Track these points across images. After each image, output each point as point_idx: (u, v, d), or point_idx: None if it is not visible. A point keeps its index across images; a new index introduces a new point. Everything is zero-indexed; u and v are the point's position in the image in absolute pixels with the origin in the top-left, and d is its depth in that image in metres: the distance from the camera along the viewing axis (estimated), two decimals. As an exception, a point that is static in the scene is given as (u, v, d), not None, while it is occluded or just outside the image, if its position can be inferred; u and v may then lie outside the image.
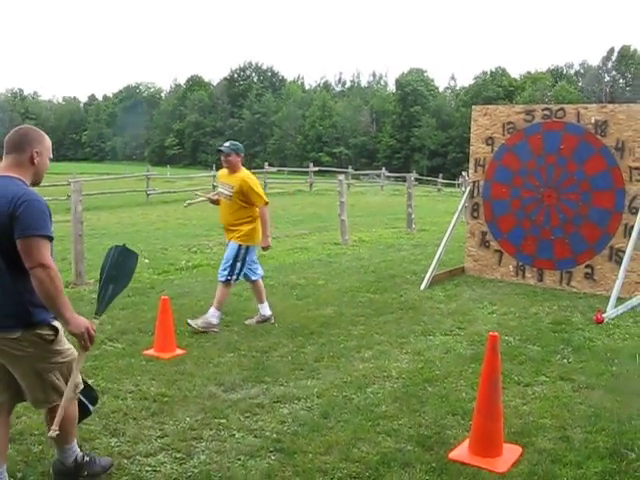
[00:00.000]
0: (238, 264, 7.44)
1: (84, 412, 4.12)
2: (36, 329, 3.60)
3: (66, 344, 3.80)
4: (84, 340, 3.61)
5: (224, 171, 7.70)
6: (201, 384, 5.62)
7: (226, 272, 7.43)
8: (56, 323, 3.69)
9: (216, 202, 7.84)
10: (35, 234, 3.42)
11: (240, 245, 7.44)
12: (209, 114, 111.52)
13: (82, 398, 4.01)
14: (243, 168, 7.61)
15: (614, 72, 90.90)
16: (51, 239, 3.51)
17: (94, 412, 4.86)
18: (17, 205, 3.42)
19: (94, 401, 4.24)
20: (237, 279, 7.56)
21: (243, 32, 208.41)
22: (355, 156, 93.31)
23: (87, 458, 4.06)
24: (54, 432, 3.62)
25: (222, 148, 7.54)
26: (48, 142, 3.81)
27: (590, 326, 7.72)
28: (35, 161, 3.68)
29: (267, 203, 7.54)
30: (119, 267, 4.10)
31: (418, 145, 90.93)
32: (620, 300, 8.59)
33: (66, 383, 3.73)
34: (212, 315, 7.35)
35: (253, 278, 7.76)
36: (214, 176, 33.69)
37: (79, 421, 4.10)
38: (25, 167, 3.66)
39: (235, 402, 5.26)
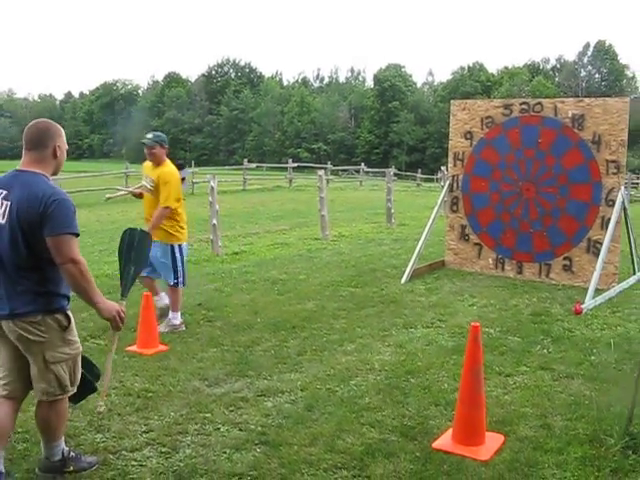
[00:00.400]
0: (178, 264, 7.27)
1: (89, 388, 4.25)
2: (55, 314, 3.78)
3: (75, 336, 3.97)
4: (116, 322, 3.91)
5: (148, 163, 7.36)
6: (185, 379, 5.63)
7: (172, 276, 7.27)
8: (69, 313, 3.88)
9: (139, 195, 7.58)
10: (66, 232, 3.61)
11: (172, 246, 7.22)
12: (187, 111, 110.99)
13: (86, 374, 4.14)
14: (168, 162, 7.29)
15: (590, 67, 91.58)
16: (78, 235, 3.69)
17: (78, 408, 4.89)
18: (48, 204, 3.57)
19: (97, 378, 4.34)
20: (183, 279, 7.38)
21: (220, 28, 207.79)
22: (334, 152, 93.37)
23: (73, 454, 4.09)
24: (101, 407, 4.34)
25: (145, 140, 7.21)
26: (64, 136, 3.92)
27: (569, 317, 7.82)
28: (57, 155, 3.82)
29: (168, 208, 7.02)
30: (136, 249, 4.40)
31: (397, 140, 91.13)
32: (598, 291, 8.71)
33: (70, 378, 3.89)
34: (173, 317, 7.28)
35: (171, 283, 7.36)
36: (193, 172, 33.62)
37: (84, 397, 4.30)
38: (47, 162, 3.79)
39: (219, 396, 5.28)
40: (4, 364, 3.92)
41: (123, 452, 4.34)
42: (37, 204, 3.57)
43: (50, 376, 3.81)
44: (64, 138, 3.89)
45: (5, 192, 3.69)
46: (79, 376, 4.00)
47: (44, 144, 3.75)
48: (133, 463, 4.20)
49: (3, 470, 3.88)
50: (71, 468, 4.04)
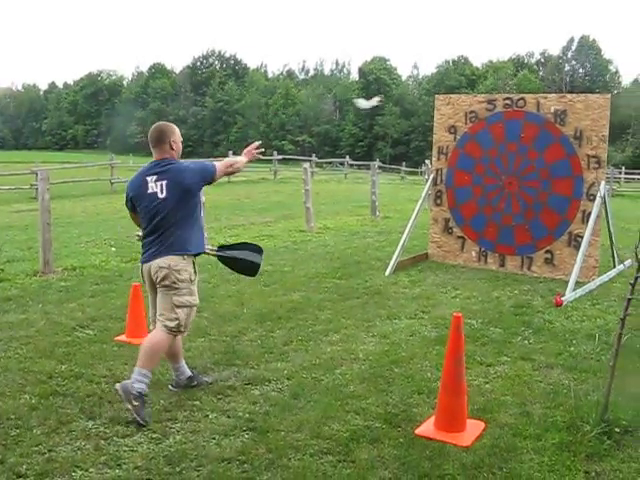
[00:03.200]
0: None
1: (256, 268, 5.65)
2: None
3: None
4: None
5: None
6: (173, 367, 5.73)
7: None
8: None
9: None
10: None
11: None
12: (172, 102, 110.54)
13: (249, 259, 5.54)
14: None
15: (574, 62, 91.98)
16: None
17: (70, 395, 5.00)
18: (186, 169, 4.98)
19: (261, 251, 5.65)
20: None
21: (206, 20, 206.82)
22: (318, 144, 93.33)
23: (195, 372, 5.44)
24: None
25: None
26: (178, 131, 5.09)
27: (550, 309, 7.98)
28: (174, 147, 5.01)
29: None
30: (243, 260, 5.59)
31: (381, 133, 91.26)
32: (578, 284, 8.87)
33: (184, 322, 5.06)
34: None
35: None
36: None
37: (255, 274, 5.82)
38: (169, 152, 4.99)
39: (207, 385, 5.39)
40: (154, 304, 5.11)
41: (115, 438, 4.44)
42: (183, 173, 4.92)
43: (173, 315, 4.91)
44: (178, 134, 5.06)
45: (156, 176, 4.89)
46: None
47: (163, 141, 4.96)
48: (125, 448, 4.30)
49: (190, 374, 5.35)
50: (194, 383, 5.32)
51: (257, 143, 5.61)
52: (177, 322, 4.91)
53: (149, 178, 4.91)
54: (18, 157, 61.38)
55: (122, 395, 4.72)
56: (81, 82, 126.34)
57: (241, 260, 5.50)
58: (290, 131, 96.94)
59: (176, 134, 5.03)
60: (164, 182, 4.85)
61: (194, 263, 5.04)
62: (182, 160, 5.17)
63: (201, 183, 5.02)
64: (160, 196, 4.85)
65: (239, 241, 5.51)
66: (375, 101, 10.73)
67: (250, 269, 5.65)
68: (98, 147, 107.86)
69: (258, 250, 5.63)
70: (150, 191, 4.88)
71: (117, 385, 4.83)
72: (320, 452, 4.24)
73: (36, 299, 8.13)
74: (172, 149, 5.00)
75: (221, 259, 5.55)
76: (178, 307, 4.90)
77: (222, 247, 5.42)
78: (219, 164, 5.19)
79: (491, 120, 10.19)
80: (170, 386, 5.35)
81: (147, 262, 4.98)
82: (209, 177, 5.05)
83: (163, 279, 4.88)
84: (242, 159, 5.41)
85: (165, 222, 4.88)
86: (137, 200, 4.99)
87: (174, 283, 4.87)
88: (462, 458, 4.15)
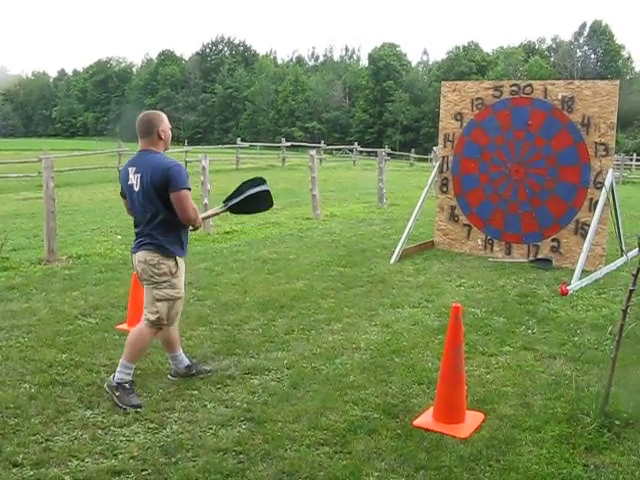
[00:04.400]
0: None
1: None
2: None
3: (181, 282, 5.12)
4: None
5: None
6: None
7: None
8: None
9: None
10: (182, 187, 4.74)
11: None
12: (181, 89, 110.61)
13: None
14: None
15: (586, 47, 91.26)
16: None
17: (70, 385, 5.00)
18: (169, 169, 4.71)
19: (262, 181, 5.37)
20: None
21: (215, 6, 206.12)
22: (328, 131, 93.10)
23: (194, 361, 5.41)
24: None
25: None
26: (166, 119, 4.95)
27: (555, 298, 7.92)
28: (162, 136, 4.87)
29: None
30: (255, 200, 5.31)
31: (391, 120, 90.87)
32: (585, 273, 8.81)
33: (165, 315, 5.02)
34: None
35: None
36: (186, 152, 33.60)
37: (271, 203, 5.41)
38: (157, 142, 4.88)
39: (207, 373, 5.37)
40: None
41: (112, 428, 4.43)
42: (160, 171, 4.69)
43: (153, 308, 4.89)
44: (166, 122, 4.92)
45: (135, 167, 4.82)
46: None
47: (150, 131, 4.84)
48: (121, 438, 4.29)
49: (189, 362, 5.32)
50: (194, 371, 5.30)
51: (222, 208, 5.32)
52: (157, 315, 4.90)
53: (130, 169, 4.88)
54: (28, 145, 61.51)
55: (108, 391, 4.85)
56: (91, 69, 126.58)
57: (251, 198, 5.25)
58: (299, 118, 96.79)
59: (164, 123, 4.92)
60: (139, 175, 4.79)
61: (176, 259, 4.94)
62: (170, 157, 4.98)
63: (165, 191, 4.70)
64: (135, 189, 4.82)
65: (238, 186, 5.32)
66: None
67: (264, 201, 5.38)
68: (108, 134, 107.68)
69: (259, 181, 5.35)
70: (129, 182, 4.87)
71: (104, 384, 4.98)
72: (317, 443, 4.21)
73: (40, 287, 8.12)
74: (160, 139, 4.89)
75: (233, 211, 5.39)
76: (158, 300, 4.89)
77: (228, 200, 5.24)
78: (186, 199, 4.74)
79: (498, 107, 10.10)
80: (169, 375, 5.34)
81: (133, 253, 5.02)
82: (174, 188, 4.68)
83: (142, 273, 4.92)
84: (203, 215, 5.21)
85: (140, 217, 4.88)
86: (122, 190, 5.03)
87: (152, 277, 4.87)
88: (460, 450, 4.11)
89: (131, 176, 4.84)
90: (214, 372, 5.41)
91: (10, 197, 20.97)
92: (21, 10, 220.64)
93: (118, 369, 4.89)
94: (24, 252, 10.47)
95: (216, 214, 5.45)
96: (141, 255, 4.87)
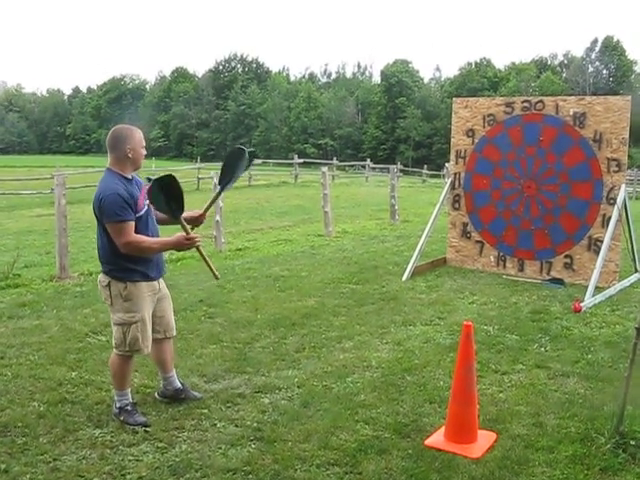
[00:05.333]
0: None
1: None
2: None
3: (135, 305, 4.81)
4: (188, 245, 4.77)
5: None
6: (183, 375, 5.66)
7: None
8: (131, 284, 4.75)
9: None
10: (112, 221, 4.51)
11: None
12: (194, 106, 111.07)
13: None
14: None
15: (597, 63, 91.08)
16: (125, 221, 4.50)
17: (79, 403, 4.97)
18: (101, 199, 4.52)
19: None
20: None
21: (228, 23, 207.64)
22: (340, 147, 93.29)
23: (186, 386, 5.26)
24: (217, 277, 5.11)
25: None
26: (138, 135, 4.64)
27: (568, 315, 7.85)
28: (130, 155, 4.57)
29: None
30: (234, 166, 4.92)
31: (403, 136, 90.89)
32: (598, 289, 8.73)
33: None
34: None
35: None
36: (199, 168, 33.69)
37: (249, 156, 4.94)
38: (123, 161, 4.60)
39: (217, 392, 5.34)
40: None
41: (120, 447, 4.40)
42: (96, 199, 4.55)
43: (115, 334, 4.79)
44: (137, 139, 4.61)
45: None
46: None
47: (117, 147, 4.57)
48: (130, 458, 4.26)
49: (180, 386, 5.16)
50: (183, 396, 5.16)
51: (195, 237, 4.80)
52: (115, 340, 4.79)
53: None
54: (42, 162, 61.90)
55: (114, 418, 4.83)
56: (104, 87, 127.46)
57: (233, 167, 4.92)
58: (312, 134, 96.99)
59: (135, 140, 4.60)
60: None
61: (126, 283, 4.66)
62: (115, 182, 4.56)
63: (98, 217, 4.61)
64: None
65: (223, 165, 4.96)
66: None
67: (241, 160, 4.91)
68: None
69: (239, 153, 4.92)
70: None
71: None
72: (327, 463, 4.17)
73: (51, 305, 8.13)
74: (128, 157, 4.59)
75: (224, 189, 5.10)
76: (114, 324, 4.77)
77: (220, 182, 4.99)
78: (123, 230, 4.49)
79: (509, 123, 10.07)
80: (156, 394, 5.28)
81: None
82: (105, 220, 4.52)
83: (100, 295, 4.92)
84: (204, 206, 4.95)
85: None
86: None
87: (105, 300, 4.78)
88: (471, 470, 4.06)
89: None
90: (224, 390, 5.38)
91: (24, 214, 21.08)
92: (36, 28, 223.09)
93: (114, 398, 4.89)
94: (36, 269, 10.50)
95: (214, 201, 5.04)
96: (99, 277, 4.82)
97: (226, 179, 4.94)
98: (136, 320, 4.69)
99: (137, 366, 5.88)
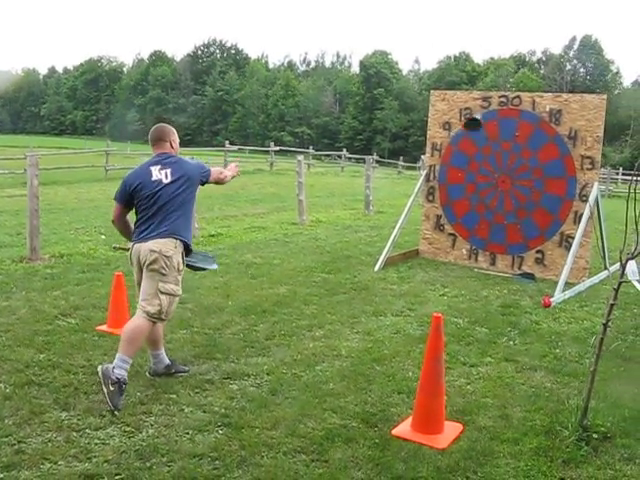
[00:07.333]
0: None
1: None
2: None
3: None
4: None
5: None
6: (153, 360, 5.66)
7: None
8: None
9: None
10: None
11: None
12: (172, 90, 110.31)
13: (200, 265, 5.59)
14: None
15: (575, 61, 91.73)
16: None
17: (46, 386, 4.92)
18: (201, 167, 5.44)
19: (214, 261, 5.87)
20: None
21: (208, 8, 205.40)
22: (317, 136, 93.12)
23: (173, 360, 5.47)
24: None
25: None
26: (176, 133, 5.45)
27: (537, 310, 7.93)
28: (173, 146, 5.34)
29: None
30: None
31: (380, 127, 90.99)
32: (568, 285, 8.82)
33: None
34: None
35: None
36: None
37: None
38: (169, 149, 5.30)
39: (185, 378, 5.32)
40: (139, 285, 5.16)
41: (87, 430, 4.37)
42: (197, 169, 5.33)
43: (156, 300, 4.95)
44: (176, 134, 5.41)
45: (160, 165, 5.13)
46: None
47: (164, 139, 5.29)
48: (96, 441, 4.23)
49: (169, 362, 5.37)
50: (173, 371, 5.37)
51: (236, 163, 6.10)
52: (159, 308, 4.93)
53: (152, 168, 5.13)
54: (15, 142, 61.11)
55: (101, 377, 4.73)
56: (81, 67, 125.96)
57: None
58: (289, 122, 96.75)
59: (176, 135, 5.41)
60: (169, 170, 5.11)
61: (183, 254, 5.10)
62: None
63: (199, 178, 5.26)
64: (165, 181, 5.05)
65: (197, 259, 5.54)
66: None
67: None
68: (97, 133, 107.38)
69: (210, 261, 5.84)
70: (154, 178, 5.07)
71: (99, 366, 4.84)
72: (294, 451, 4.18)
73: (20, 286, 8.04)
74: (172, 147, 5.33)
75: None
76: (162, 294, 4.94)
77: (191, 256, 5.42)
78: (213, 169, 5.50)
79: (486, 117, 10.11)
80: (147, 373, 5.35)
81: (139, 242, 5.03)
82: (205, 176, 5.33)
83: (152, 263, 4.92)
84: (228, 173, 5.66)
85: (166, 206, 5.02)
86: (141, 188, 5.08)
87: (162, 268, 4.92)
88: (437, 461, 4.09)
89: (155, 173, 5.10)
90: (193, 376, 5.37)
91: (-5, 194, 20.80)
92: (12, 6, 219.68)
93: (117, 363, 4.81)
94: (6, 250, 10.38)
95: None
96: (156, 244, 4.94)
97: (194, 261, 5.49)
98: (180, 293, 5.14)
99: (106, 350, 5.88)
